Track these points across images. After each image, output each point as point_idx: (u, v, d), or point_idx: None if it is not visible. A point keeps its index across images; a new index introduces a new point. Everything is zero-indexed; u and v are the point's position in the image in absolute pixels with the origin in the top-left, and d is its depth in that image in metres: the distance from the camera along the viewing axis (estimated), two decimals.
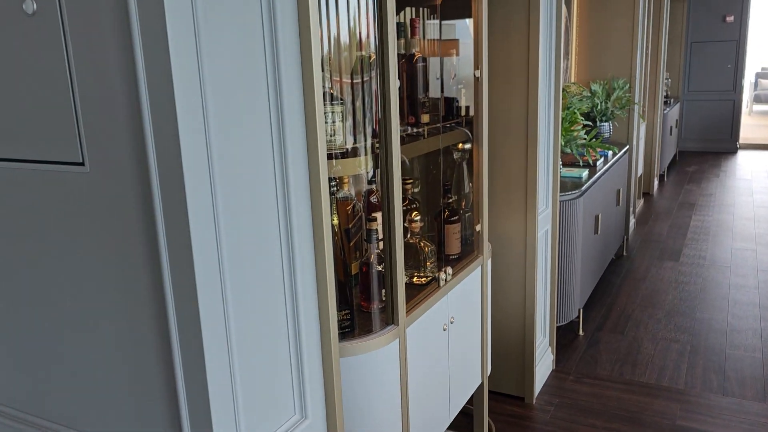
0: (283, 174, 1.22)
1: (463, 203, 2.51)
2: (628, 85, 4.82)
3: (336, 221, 1.71)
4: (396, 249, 1.72)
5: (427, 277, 2.11)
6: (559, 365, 3.29)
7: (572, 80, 5.06)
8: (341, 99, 1.65)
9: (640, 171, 6.02)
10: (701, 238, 5.31)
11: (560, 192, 3.26)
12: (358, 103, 1.72)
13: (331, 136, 1.64)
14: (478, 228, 2.33)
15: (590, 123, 3.83)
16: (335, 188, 1.69)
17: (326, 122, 1.63)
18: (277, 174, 1.20)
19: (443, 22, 2.52)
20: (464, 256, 2.34)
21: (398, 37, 2.16)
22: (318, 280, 1.31)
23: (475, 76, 2.22)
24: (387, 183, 1.70)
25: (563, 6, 2.93)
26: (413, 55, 2.10)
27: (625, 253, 4.98)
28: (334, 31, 1.63)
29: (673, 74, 8.64)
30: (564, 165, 3.81)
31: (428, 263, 2.14)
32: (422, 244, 2.12)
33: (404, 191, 2.39)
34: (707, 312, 3.86)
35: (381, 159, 1.69)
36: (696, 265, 4.69)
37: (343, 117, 1.65)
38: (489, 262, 2.45)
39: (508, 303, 2.90)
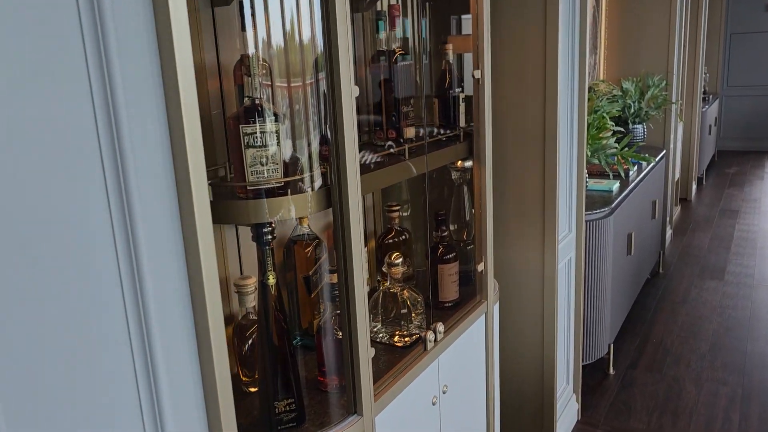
0: (128, 237, 0.77)
1: (465, 234, 2.05)
2: (665, 82, 4.29)
3: (272, 280, 1.26)
4: (355, 315, 1.27)
5: (412, 335, 1.65)
6: (586, 414, 2.80)
7: (600, 78, 4.54)
8: (275, 114, 1.20)
9: (677, 175, 5.47)
10: (747, 252, 4.75)
11: (586, 210, 2.77)
12: (303, 118, 1.27)
13: (261, 164, 1.19)
14: (480, 268, 1.86)
15: (622, 129, 3.33)
16: (270, 236, 1.24)
17: (255, 145, 1.18)
18: (119, 245, 0.76)
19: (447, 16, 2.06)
20: (464, 302, 1.87)
21: (378, 30, 1.71)
22: (207, 403, 0.87)
23: (474, 77, 1.76)
24: (342, 225, 1.24)
25: None
26: (393, 52, 1.65)
27: (661, 271, 4.45)
28: (262, 23, 1.18)
29: (711, 68, 8.02)
30: (591, 176, 3.31)
31: (414, 315, 1.68)
32: (407, 293, 1.67)
33: (389, 220, 1.94)
34: (759, 345, 3.33)
35: (333, 193, 1.24)
36: (743, 285, 4.14)
37: (279, 139, 1.20)
38: (496, 307, 1.98)
39: (522, 347, 2.43)
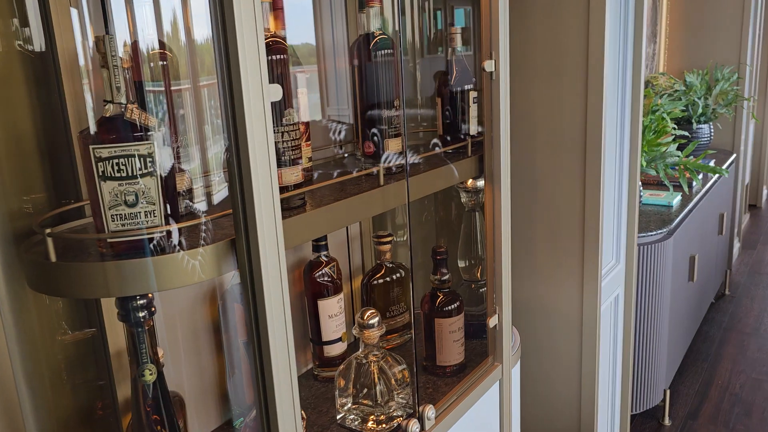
0: None
1: (478, 271, 1.60)
2: (736, 74, 3.70)
3: (150, 376, 0.85)
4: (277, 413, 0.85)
5: (392, 419, 1.22)
6: None
7: (660, 70, 3.98)
8: (147, 127, 0.79)
9: (747, 179, 4.83)
10: None
11: (639, 232, 2.28)
12: (197, 132, 0.86)
13: (128, 205, 0.78)
14: (493, 323, 1.42)
15: (686, 134, 2.79)
16: (145, 313, 0.83)
17: (117, 176, 0.77)
18: None
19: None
20: (472, 365, 1.43)
21: (361, 7, 1.28)
22: None
23: (484, 70, 1.30)
24: (252, 298, 0.82)
25: None
26: (370, 35, 1.21)
27: (727, 292, 3.87)
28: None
29: None
30: (645, 186, 2.80)
31: (396, 386, 1.25)
32: (387, 362, 1.23)
33: (379, 254, 1.52)
34: None
35: (239, 249, 0.82)
36: None
37: (156, 165, 0.78)
38: (516, 369, 1.53)
39: (552, 409, 1.96)
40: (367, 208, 1.09)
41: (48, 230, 0.78)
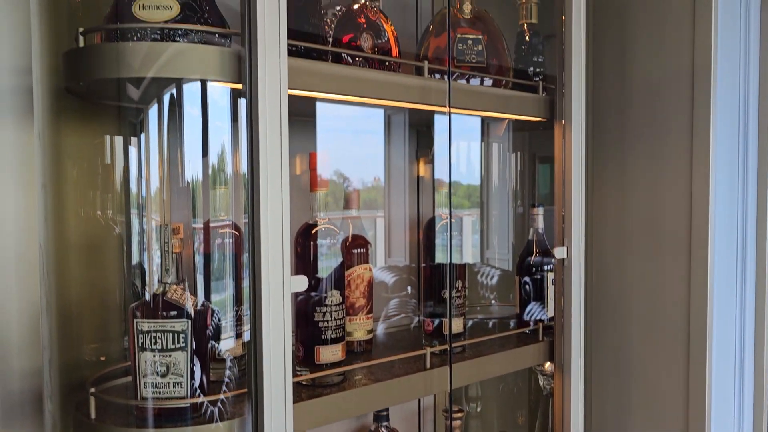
0: None
1: None
2: None
3: None
4: None
5: None
6: None
7: None
8: (180, 307, 0.88)
9: None
10: None
11: None
12: (232, 315, 0.94)
13: (159, 375, 0.86)
14: None
15: None
16: None
17: (154, 348, 0.86)
18: None
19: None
20: None
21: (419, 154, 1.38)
22: None
23: (554, 256, 1.29)
24: None
25: None
26: (436, 218, 1.27)
27: None
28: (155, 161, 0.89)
29: None
30: None
31: None
32: None
33: (447, 429, 1.48)
34: None
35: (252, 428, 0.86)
36: None
37: (188, 341, 0.87)
38: None
39: None
40: (408, 392, 1.09)
41: (92, 389, 0.88)
